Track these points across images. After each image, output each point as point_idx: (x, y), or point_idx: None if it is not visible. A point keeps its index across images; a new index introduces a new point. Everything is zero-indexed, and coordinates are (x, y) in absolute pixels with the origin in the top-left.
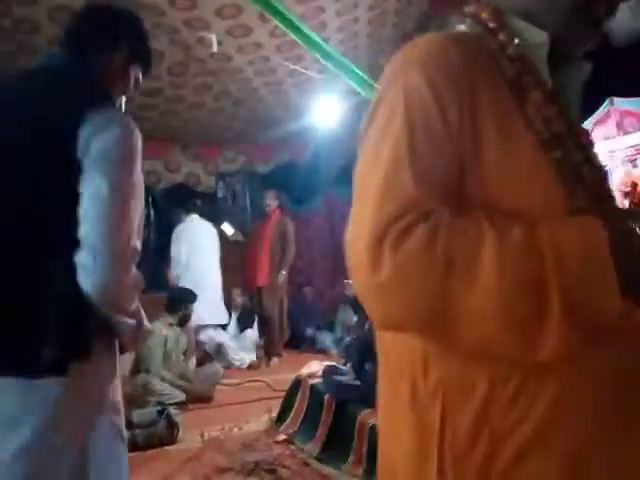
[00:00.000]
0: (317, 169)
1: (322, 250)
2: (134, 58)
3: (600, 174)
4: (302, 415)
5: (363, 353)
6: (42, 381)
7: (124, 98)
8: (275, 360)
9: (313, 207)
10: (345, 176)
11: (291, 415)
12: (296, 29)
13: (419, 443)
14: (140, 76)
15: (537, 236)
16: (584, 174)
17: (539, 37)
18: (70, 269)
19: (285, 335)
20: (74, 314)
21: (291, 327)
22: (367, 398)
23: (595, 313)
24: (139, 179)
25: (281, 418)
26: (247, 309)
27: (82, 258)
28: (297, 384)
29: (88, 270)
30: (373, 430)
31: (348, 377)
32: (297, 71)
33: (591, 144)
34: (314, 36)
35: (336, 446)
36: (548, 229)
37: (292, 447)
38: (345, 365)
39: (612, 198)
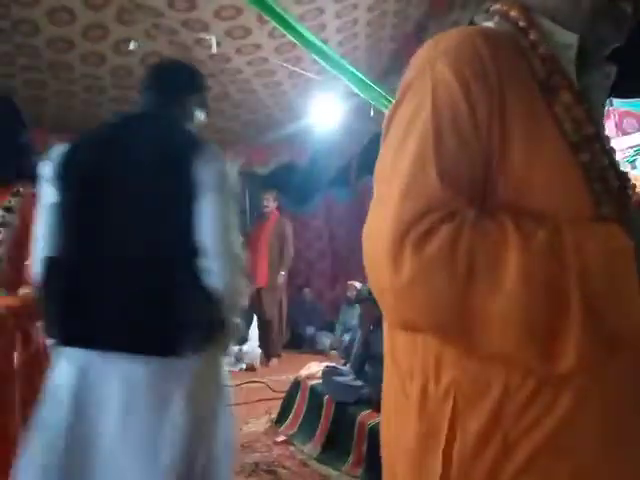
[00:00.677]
0: (316, 170)
1: (321, 251)
2: (201, 104)
3: (624, 180)
4: (302, 416)
5: (364, 354)
6: (184, 360)
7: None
8: (274, 361)
9: (312, 208)
10: (344, 177)
11: (291, 416)
12: (294, 30)
13: (424, 445)
14: (203, 117)
15: (562, 242)
16: (609, 179)
17: (568, 38)
18: (195, 276)
19: (284, 336)
20: (200, 311)
21: (290, 328)
22: (367, 399)
23: (617, 326)
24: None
25: (281, 419)
26: (246, 310)
27: (211, 265)
28: (297, 385)
29: (217, 274)
30: (373, 431)
31: (348, 378)
32: (296, 72)
33: (613, 149)
34: (313, 37)
35: (336, 447)
36: (573, 235)
37: (292, 448)
38: (345, 366)
39: (633, 205)
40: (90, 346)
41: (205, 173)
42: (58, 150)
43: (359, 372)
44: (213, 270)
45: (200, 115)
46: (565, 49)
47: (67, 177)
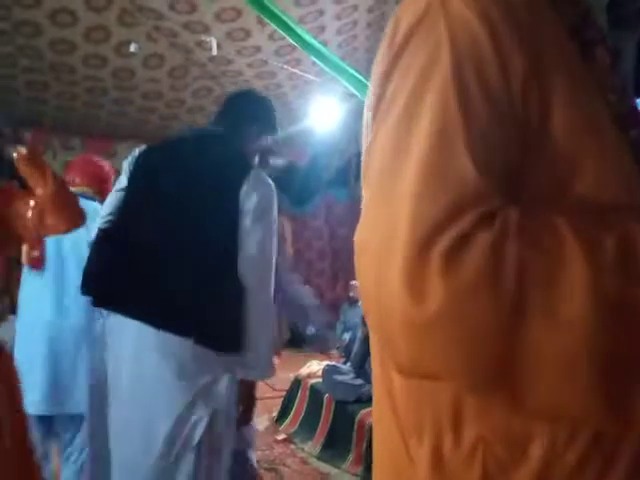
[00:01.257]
0: (315, 171)
1: (321, 252)
2: (265, 130)
3: None
4: (302, 414)
5: (364, 352)
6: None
7: (257, 159)
8: (275, 359)
9: (312, 209)
10: (344, 178)
11: (291, 414)
12: (294, 33)
13: None
14: (269, 141)
15: (637, 252)
16: None
17: None
18: (237, 288)
19: (285, 335)
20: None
21: (291, 327)
22: (367, 397)
23: None
24: (275, 223)
25: (281, 417)
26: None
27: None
28: (297, 383)
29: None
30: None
31: (348, 377)
32: (296, 74)
33: None
34: (312, 39)
35: (336, 445)
36: None
37: (292, 446)
38: (345, 364)
39: None
40: (118, 310)
41: (248, 198)
42: (138, 150)
43: (359, 370)
44: (246, 287)
45: (266, 140)
46: None
47: (134, 172)
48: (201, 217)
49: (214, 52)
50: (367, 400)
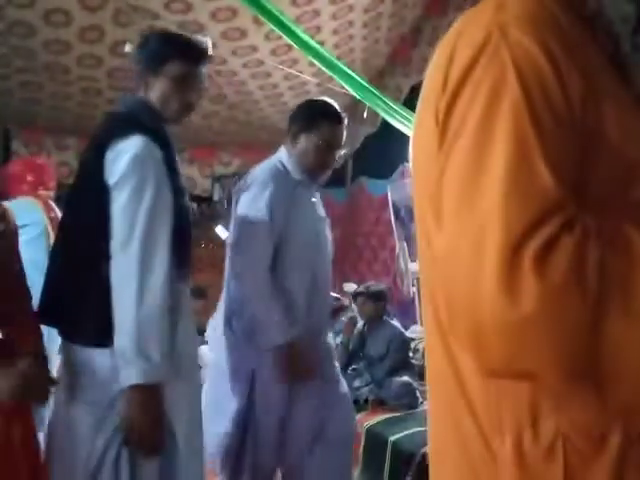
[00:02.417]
0: None
1: None
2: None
3: None
4: None
5: (350, 355)
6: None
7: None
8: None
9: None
10: (340, 179)
11: None
12: (290, 32)
13: None
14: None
15: None
16: None
17: (626, 8)
18: (103, 275)
19: None
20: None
21: None
22: (364, 400)
23: None
24: (157, 195)
25: None
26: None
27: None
28: None
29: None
30: (369, 432)
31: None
32: (292, 74)
33: None
34: (309, 39)
35: None
36: None
37: None
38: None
39: None
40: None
41: (113, 168)
42: None
43: (345, 368)
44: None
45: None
46: (622, 22)
47: None
48: (71, 201)
49: (209, 52)
50: (364, 402)
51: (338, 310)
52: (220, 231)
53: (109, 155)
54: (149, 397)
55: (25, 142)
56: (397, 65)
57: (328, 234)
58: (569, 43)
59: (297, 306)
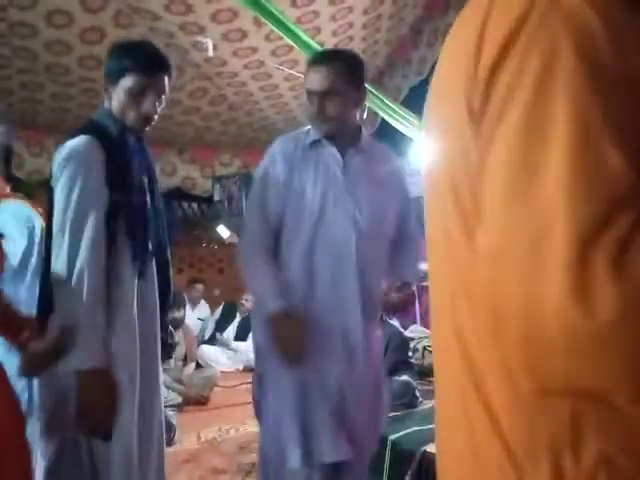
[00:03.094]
0: None
1: None
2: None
3: None
4: None
5: None
6: None
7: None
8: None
9: None
10: None
11: None
12: (291, 33)
13: None
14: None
15: None
16: None
17: None
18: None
19: None
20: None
21: None
22: None
23: None
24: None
25: None
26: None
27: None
28: None
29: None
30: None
31: None
32: (293, 75)
33: None
34: (309, 40)
35: None
36: None
37: None
38: None
39: None
40: None
41: (53, 164)
42: None
43: None
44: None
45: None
46: None
47: None
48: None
49: (210, 53)
50: None
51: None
52: (221, 231)
53: (55, 155)
54: (92, 382)
55: (26, 143)
56: (396, 66)
57: (359, 205)
58: (622, 12)
59: (297, 283)
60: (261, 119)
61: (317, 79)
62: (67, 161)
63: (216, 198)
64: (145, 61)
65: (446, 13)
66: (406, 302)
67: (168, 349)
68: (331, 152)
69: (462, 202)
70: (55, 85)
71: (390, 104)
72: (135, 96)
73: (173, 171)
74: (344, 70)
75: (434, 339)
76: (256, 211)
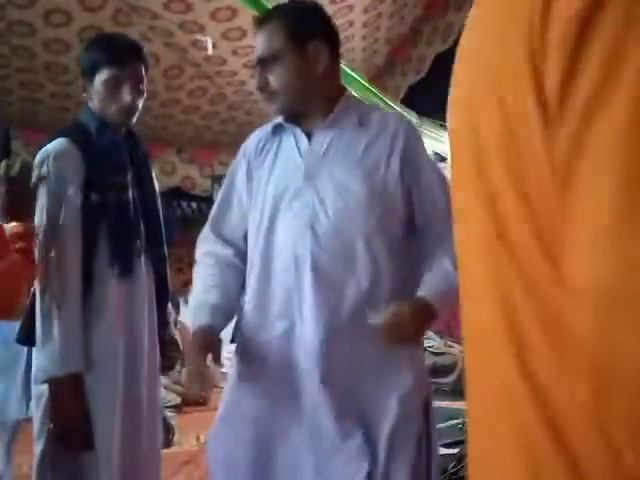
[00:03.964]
0: None
1: None
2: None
3: None
4: None
5: None
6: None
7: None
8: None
9: None
10: None
11: None
12: None
13: None
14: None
15: None
16: None
17: None
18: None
19: None
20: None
21: None
22: None
23: None
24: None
25: None
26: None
27: None
28: None
29: None
30: None
31: None
32: None
33: None
34: None
35: None
36: None
37: None
38: None
39: None
40: None
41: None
42: None
43: None
44: None
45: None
46: None
47: None
48: None
49: (209, 52)
50: None
51: None
52: None
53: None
54: (62, 391)
55: (25, 142)
56: (396, 65)
57: (321, 194)
58: None
59: (250, 288)
60: (260, 118)
61: (257, 48)
62: (39, 167)
63: (215, 198)
64: (116, 52)
65: (446, 13)
66: (420, 331)
67: (169, 362)
68: (293, 135)
69: (533, 209)
70: (54, 84)
71: (390, 103)
72: (111, 89)
73: (172, 170)
74: (283, 28)
75: (471, 370)
76: (211, 228)
